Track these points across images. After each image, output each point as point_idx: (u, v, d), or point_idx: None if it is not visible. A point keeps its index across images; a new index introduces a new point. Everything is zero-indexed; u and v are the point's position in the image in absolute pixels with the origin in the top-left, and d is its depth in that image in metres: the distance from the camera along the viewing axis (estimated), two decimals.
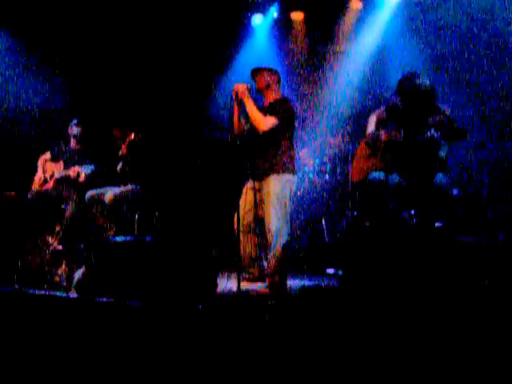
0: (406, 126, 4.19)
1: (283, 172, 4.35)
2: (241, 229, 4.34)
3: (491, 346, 2.55)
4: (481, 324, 2.80)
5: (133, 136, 5.24)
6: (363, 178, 4.30)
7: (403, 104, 4.21)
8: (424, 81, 4.08)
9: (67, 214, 5.32)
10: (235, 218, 4.26)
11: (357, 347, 2.61)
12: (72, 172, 5.36)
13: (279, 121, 4.31)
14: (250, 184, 4.46)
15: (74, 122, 5.73)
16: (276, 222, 4.29)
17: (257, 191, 4.44)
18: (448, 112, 4.12)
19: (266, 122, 4.29)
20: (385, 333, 2.77)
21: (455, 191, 4.17)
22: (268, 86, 4.48)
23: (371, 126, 4.34)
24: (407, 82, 4.11)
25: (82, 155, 5.62)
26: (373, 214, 4.18)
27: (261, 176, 4.41)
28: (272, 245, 4.32)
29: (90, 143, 5.73)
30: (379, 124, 4.35)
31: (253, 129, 4.44)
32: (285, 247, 4.32)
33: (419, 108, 4.10)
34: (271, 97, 4.51)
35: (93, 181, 5.36)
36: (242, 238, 4.38)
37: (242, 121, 4.49)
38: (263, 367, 2.47)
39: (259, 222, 4.46)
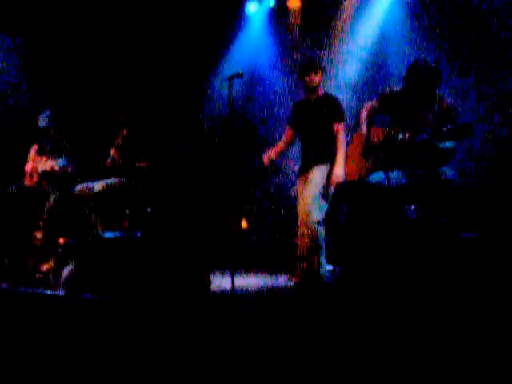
0: (403, 116, 4.13)
1: (329, 162, 4.55)
2: (300, 223, 4.56)
3: (494, 339, 2.48)
4: (484, 320, 2.74)
5: (125, 132, 5.25)
6: (360, 177, 4.29)
7: (407, 88, 4.16)
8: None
9: (46, 208, 5.21)
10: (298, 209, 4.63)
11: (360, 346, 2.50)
12: (47, 167, 5.37)
13: (344, 123, 4.62)
14: (301, 178, 4.70)
15: (44, 114, 5.57)
16: (320, 211, 4.46)
17: (304, 183, 4.65)
18: (448, 101, 4.04)
19: (345, 138, 4.54)
20: (385, 329, 2.67)
21: (459, 181, 4.05)
22: (319, 85, 4.70)
23: (363, 124, 4.31)
24: (421, 62, 4.07)
25: (57, 149, 5.53)
26: (373, 214, 4.13)
27: (309, 167, 4.62)
28: (312, 232, 4.43)
29: (66, 136, 5.61)
30: (370, 117, 4.35)
31: (306, 126, 4.69)
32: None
33: (422, 92, 4.05)
34: (318, 92, 4.71)
35: (67, 174, 5.35)
36: (300, 231, 4.56)
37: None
38: (258, 368, 2.36)
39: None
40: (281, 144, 4.88)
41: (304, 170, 4.66)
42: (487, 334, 2.57)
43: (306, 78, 4.63)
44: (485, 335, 2.55)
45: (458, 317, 2.89)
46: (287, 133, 4.89)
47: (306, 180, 4.60)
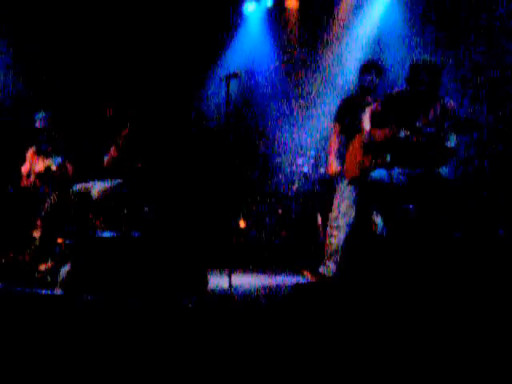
0: (404, 116, 4.11)
1: None
2: (332, 224, 4.63)
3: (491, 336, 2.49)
4: (482, 320, 2.73)
5: (126, 132, 5.15)
6: (360, 175, 4.29)
7: (409, 89, 4.15)
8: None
9: (44, 208, 5.19)
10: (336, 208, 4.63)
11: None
12: (43, 167, 5.34)
13: None
14: (346, 185, 4.63)
15: (40, 114, 5.56)
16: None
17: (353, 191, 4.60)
18: (450, 102, 4.05)
19: None
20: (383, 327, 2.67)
21: (454, 179, 4.07)
22: (376, 87, 4.77)
23: (366, 124, 4.28)
24: (422, 61, 4.07)
25: (54, 149, 5.50)
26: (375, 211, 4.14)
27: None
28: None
29: (63, 136, 5.58)
30: (374, 119, 4.34)
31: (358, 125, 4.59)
32: None
33: (424, 92, 4.04)
34: (374, 94, 4.75)
35: (64, 173, 5.31)
36: (330, 231, 4.63)
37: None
38: (255, 368, 2.34)
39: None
40: (336, 147, 4.82)
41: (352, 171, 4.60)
42: (483, 330, 2.58)
43: (367, 77, 4.70)
44: (480, 331, 2.56)
45: (455, 315, 2.89)
46: (338, 132, 4.84)
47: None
